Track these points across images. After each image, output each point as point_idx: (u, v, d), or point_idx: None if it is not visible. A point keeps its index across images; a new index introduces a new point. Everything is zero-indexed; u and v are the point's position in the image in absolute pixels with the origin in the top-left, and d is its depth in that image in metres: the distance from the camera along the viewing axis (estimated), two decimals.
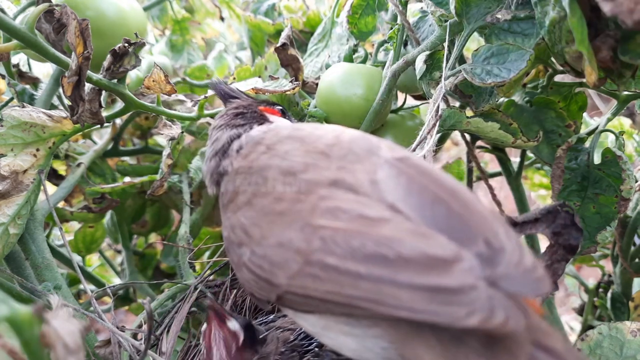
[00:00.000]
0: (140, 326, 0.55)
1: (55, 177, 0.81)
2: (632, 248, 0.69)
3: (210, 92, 0.65)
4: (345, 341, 0.35)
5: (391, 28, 0.63)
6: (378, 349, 0.33)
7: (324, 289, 0.32)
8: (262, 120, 0.49)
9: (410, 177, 0.35)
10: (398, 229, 0.32)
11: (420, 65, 0.58)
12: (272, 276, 0.35)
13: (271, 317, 0.55)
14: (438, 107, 0.52)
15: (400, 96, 0.74)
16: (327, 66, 0.70)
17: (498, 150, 0.71)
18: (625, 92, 0.60)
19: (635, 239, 0.69)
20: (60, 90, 0.71)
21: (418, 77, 0.59)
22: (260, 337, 0.48)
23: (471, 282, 0.29)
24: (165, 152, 0.65)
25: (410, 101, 0.74)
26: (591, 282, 0.89)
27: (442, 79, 0.53)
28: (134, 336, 0.53)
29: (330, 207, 0.34)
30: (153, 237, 1.00)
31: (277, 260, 0.35)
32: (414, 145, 0.52)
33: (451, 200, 0.33)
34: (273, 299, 0.36)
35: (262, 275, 0.36)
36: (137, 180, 0.80)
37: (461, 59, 0.60)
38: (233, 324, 0.46)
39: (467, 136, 0.70)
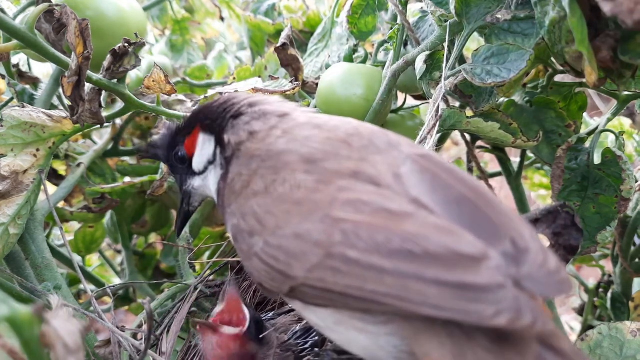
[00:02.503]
0: (140, 326, 0.55)
1: (55, 177, 0.81)
2: (632, 248, 0.69)
3: (210, 92, 0.65)
4: (357, 338, 0.34)
5: (391, 28, 0.63)
6: (390, 347, 0.33)
7: (345, 283, 0.31)
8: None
9: (435, 174, 0.34)
10: (423, 223, 0.31)
11: (420, 65, 0.58)
12: (288, 268, 0.34)
13: (270, 314, 0.55)
14: (438, 107, 0.52)
15: (400, 96, 0.74)
16: (327, 66, 0.70)
17: (498, 150, 0.71)
18: (625, 92, 0.60)
19: (635, 239, 0.69)
20: (60, 90, 0.71)
21: (418, 77, 0.59)
22: (260, 336, 0.48)
23: (499, 281, 0.28)
24: None
25: (410, 101, 0.74)
26: (591, 282, 0.89)
27: (442, 79, 0.53)
28: (134, 336, 0.53)
29: (351, 199, 0.33)
30: (153, 237, 0.99)
31: (294, 251, 0.34)
32: None
33: (477, 199, 0.33)
34: (285, 290, 0.35)
35: (276, 266, 0.35)
36: (137, 180, 0.80)
37: (461, 59, 0.60)
38: (245, 312, 0.46)
39: (467, 136, 0.70)
